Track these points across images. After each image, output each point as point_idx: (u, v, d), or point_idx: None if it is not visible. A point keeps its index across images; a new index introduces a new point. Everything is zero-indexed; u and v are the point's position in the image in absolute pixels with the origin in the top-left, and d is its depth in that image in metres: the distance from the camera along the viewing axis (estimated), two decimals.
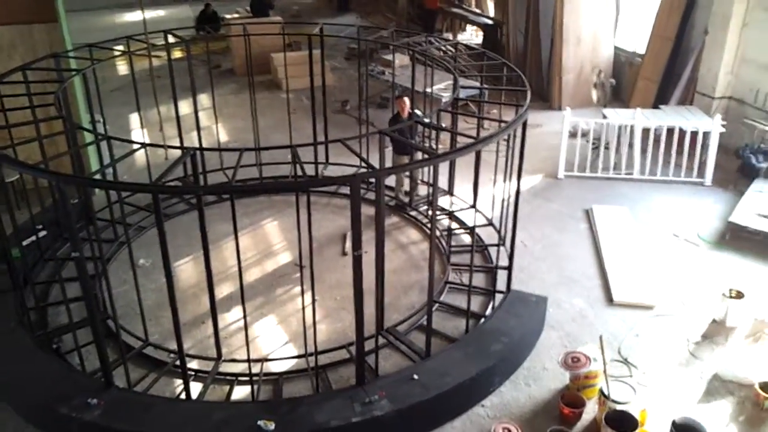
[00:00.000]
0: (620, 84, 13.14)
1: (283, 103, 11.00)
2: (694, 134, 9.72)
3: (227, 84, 14.96)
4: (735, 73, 10.58)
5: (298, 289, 7.05)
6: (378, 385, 5.64)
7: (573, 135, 10.37)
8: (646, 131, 9.98)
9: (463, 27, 19.39)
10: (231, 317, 6.91)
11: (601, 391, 5.53)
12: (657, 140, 9.93)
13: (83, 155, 8.38)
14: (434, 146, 9.07)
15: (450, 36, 18.62)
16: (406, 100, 8.60)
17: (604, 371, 5.61)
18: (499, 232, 7.67)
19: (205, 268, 5.46)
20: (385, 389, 5.53)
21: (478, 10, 18.74)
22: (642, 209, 9.12)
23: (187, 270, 7.82)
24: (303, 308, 6.04)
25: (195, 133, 9.67)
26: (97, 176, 5.92)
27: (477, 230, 7.97)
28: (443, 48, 11.51)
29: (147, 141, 9.07)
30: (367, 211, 6.82)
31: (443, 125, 8.53)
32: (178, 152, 6.06)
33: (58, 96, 6.92)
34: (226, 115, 12.44)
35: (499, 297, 6.95)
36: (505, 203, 7.04)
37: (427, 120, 8.27)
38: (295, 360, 6.33)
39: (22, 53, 8.80)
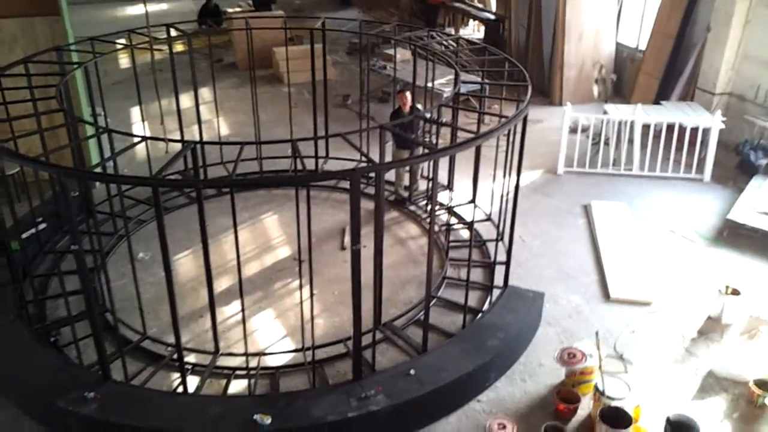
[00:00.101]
0: (621, 80, 13.13)
1: (284, 97, 11.01)
2: (694, 130, 9.72)
3: (229, 78, 14.96)
4: (736, 69, 10.58)
5: (296, 283, 7.11)
6: (375, 379, 5.66)
7: (573, 131, 10.38)
8: (646, 127, 9.98)
9: (465, 22, 19.35)
10: (229, 311, 6.94)
11: (597, 387, 5.55)
12: (657, 136, 9.93)
13: (84, 148, 8.40)
14: (434, 141, 9.08)
15: (452, 31, 18.60)
16: (408, 94, 8.60)
17: (600, 367, 5.64)
18: (497, 227, 7.69)
19: (204, 262, 5.49)
20: (382, 384, 5.56)
21: (480, 5, 18.70)
22: (641, 205, 9.14)
23: (186, 264, 7.85)
24: (301, 302, 6.07)
25: (196, 127, 9.69)
26: (98, 169, 5.95)
27: (476, 225, 8.01)
28: (445, 43, 11.50)
29: (148, 134, 9.10)
30: (367, 205, 6.84)
31: (444, 120, 8.54)
32: (179, 146, 6.07)
33: (60, 89, 6.94)
34: (227, 109, 12.45)
35: (496, 292, 6.98)
36: (504, 199, 7.06)
37: (428, 115, 8.28)
38: (293, 354, 6.36)
39: (24, 46, 8.81)
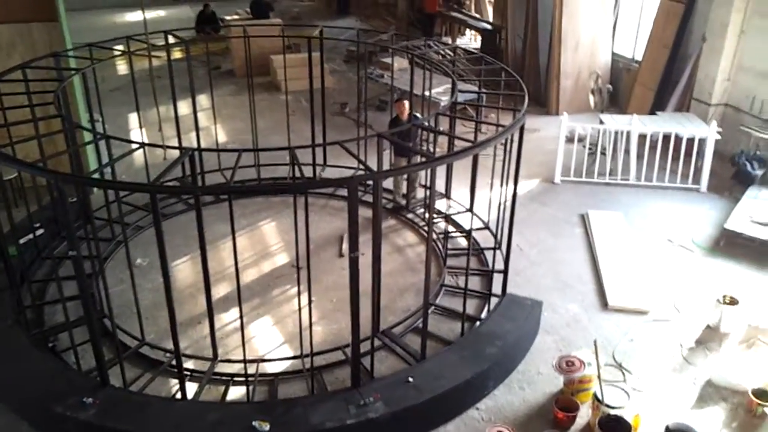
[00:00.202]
0: (617, 90, 13.20)
1: (282, 104, 11.04)
2: (690, 141, 9.77)
3: (226, 85, 14.99)
4: (732, 80, 10.65)
5: (294, 290, 7.11)
6: (373, 387, 5.65)
7: (570, 140, 10.42)
8: (642, 137, 10.03)
9: (462, 31, 19.44)
10: (227, 318, 6.93)
11: (595, 396, 5.55)
12: (653, 146, 9.98)
13: (82, 154, 8.39)
14: (432, 149, 9.10)
15: (449, 40, 18.67)
16: (406, 103, 8.63)
17: (598, 376, 5.64)
18: (495, 235, 7.71)
19: (202, 269, 5.48)
20: (380, 391, 5.55)
21: (477, 15, 18.80)
22: (637, 215, 9.17)
23: (185, 270, 7.84)
24: (299, 309, 6.07)
25: (194, 134, 9.70)
26: (96, 175, 5.94)
27: (473, 234, 8.02)
28: (442, 52, 11.54)
29: (146, 141, 9.09)
30: (365, 213, 6.84)
31: (441, 129, 8.56)
32: (177, 152, 6.07)
33: (58, 95, 6.93)
34: (225, 116, 12.47)
35: (494, 300, 6.98)
36: (502, 207, 7.08)
37: (425, 123, 8.30)
38: (291, 361, 6.34)
39: (22, 52, 8.81)
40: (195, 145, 9.52)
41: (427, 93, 9.33)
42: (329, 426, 5.21)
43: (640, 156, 10.04)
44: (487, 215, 8.11)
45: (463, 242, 8.34)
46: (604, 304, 7.25)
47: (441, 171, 8.40)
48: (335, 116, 12.66)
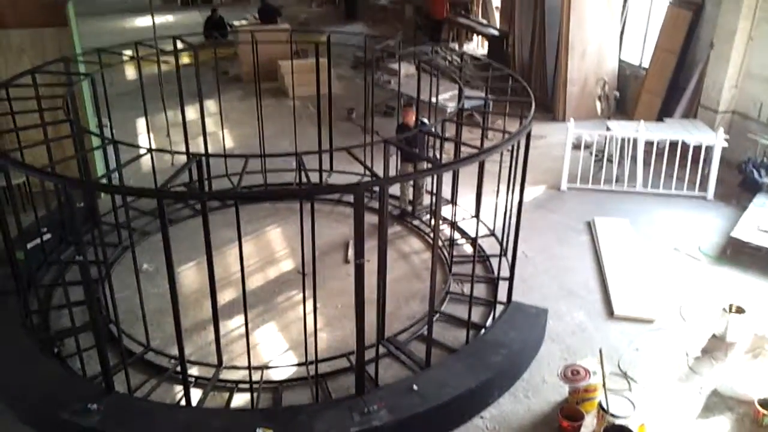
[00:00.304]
0: (624, 97, 13.17)
1: (289, 110, 11.04)
2: (697, 148, 9.74)
3: (234, 90, 15.01)
4: (739, 87, 10.61)
5: (299, 296, 7.08)
6: (377, 395, 5.66)
7: (576, 147, 10.40)
8: (649, 144, 10.00)
9: (469, 37, 19.42)
10: (232, 324, 6.94)
11: (600, 405, 5.54)
12: (660, 153, 9.95)
13: (90, 159, 8.42)
14: (438, 156, 9.10)
15: (456, 46, 18.66)
16: (413, 109, 8.65)
17: (604, 385, 5.62)
18: (501, 242, 7.70)
19: (208, 275, 5.50)
20: (385, 399, 5.55)
21: (484, 21, 18.79)
22: (644, 222, 9.14)
23: (190, 275, 7.86)
24: (304, 316, 6.07)
25: (201, 139, 9.73)
26: (103, 180, 5.98)
27: (479, 241, 8.00)
28: (449, 58, 11.56)
29: (153, 146, 9.12)
30: (371, 219, 6.85)
31: (447, 135, 8.56)
32: (184, 157, 6.10)
33: (66, 100, 6.97)
34: (232, 122, 12.49)
35: (499, 308, 6.97)
36: (508, 214, 7.07)
37: (432, 129, 8.31)
38: (296, 368, 6.36)
39: (32, 56, 8.85)
40: (202, 150, 9.54)
41: (433, 99, 9.34)
42: None
43: (646, 163, 10.01)
44: (493, 222, 8.09)
45: (468, 249, 8.34)
46: (609, 312, 7.23)
47: (447, 177, 8.40)
48: (342, 122, 12.67)
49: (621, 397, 5.65)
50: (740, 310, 6.76)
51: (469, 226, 8.65)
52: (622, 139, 10.14)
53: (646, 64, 12.68)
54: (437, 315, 6.92)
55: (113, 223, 8.20)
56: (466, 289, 7.17)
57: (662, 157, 9.87)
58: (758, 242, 8.09)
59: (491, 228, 8.32)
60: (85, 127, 8.48)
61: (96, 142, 8.19)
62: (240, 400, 5.97)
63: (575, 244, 8.64)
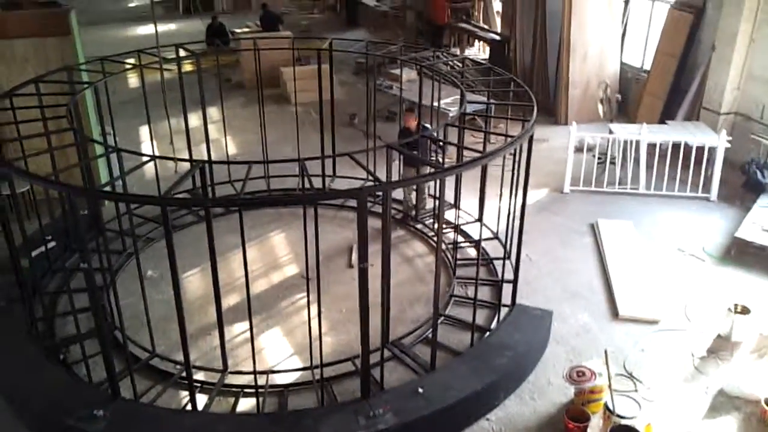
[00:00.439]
0: (626, 99, 13.18)
1: (291, 116, 11.07)
2: (700, 150, 9.74)
3: (237, 97, 15.07)
4: (741, 88, 10.62)
5: (304, 301, 7.12)
6: (383, 398, 5.66)
7: (579, 150, 10.41)
8: (652, 146, 10.00)
9: (471, 42, 19.47)
10: (237, 329, 6.95)
11: (606, 406, 5.54)
12: (663, 155, 9.95)
13: (93, 167, 8.45)
14: (441, 160, 9.12)
15: (457, 51, 18.70)
16: (415, 114, 8.67)
17: (609, 386, 5.62)
18: (504, 245, 7.70)
19: (213, 280, 5.51)
20: (390, 402, 5.55)
21: (485, 26, 18.83)
22: (647, 224, 9.13)
23: (195, 281, 7.87)
24: (309, 320, 6.07)
25: (204, 146, 9.76)
26: (107, 188, 6.00)
27: (482, 244, 8.01)
28: (450, 63, 11.58)
29: (157, 153, 9.15)
30: (374, 223, 6.86)
31: (450, 139, 8.58)
32: (188, 164, 6.12)
33: (70, 108, 7.00)
34: (235, 128, 12.53)
35: (504, 311, 6.97)
36: (511, 217, 7.08)
37: (434, 134, 8.33)
38: (301, 372, 6.36)
39: (35, 66, 8.89)
40: (205, 157, 9.57)
41: (435, 104, 9.36)
42: None
43: (649, 165, 10.01)
44: (497, 225, 8.10)
45: (472, 252, 8.34)
46: (614, 313, 7.22)
47: (450, 181, 8.42)
48: (344, 127, 12.70)
49: (627, 398, 5.64)
50: (745, 310, 6.76)
51: (472, 230, 8.66)
52: (625, 142, 10.15)
53: (647, 67, 12.69)
54: (441, 318, 6.92)
55: (117, 230, 8.24)
56: (470, 292, 7.17)
57: (665, 159, 9.88)
58: (762, 242, 8.08)
59: (495, 231, 8.32)
60: (88, 135, 8.51)
61: (99, 150, 8.21)
62: (246, 404, 5.97)
63: (579, 247, 8.64)
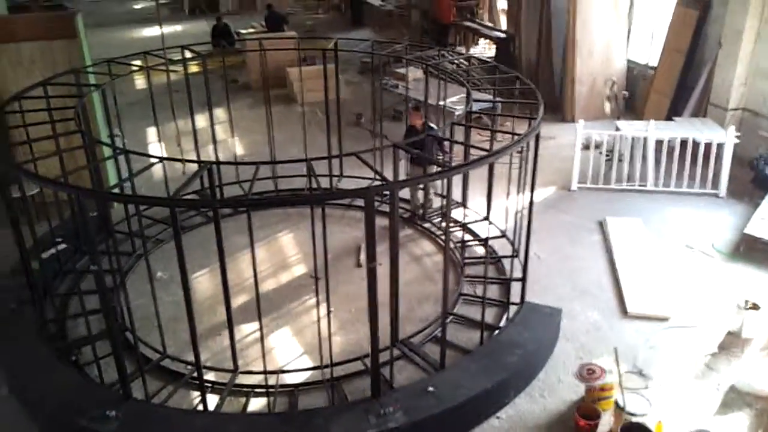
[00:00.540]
0: (633, 96, 13.15)
1: (298, 116, 11.11)
2: (708, 146, 9.70)
3: (243, 98, 15.09)
4: (748, 84, 10.58)
5: (313, 300, 7.14)
6: (393, 397, 5.66)
7: (586, 147, 10.39)
8: (659, 143, 9.98)
9: (476, 41, 19.46)
10: (247, 329, 6.97)
11: (617, 403, 5.53)
12: (670, 152, 9.93)
13: (102, 169, 8.48)
14: (448, 159, 9.12)
15: (463, 50, 18.70)
16: (421, 113, 8.67)
17: (620, 383, 5.61)
18: (512, 243, 7.70)
19: (222, 281, 5.53)
20: (400, 401, 5.55)
21: (490, 24, 18.82)
22: (656, 221, 9.11)
23: (204, 282, 7.90)
24: (318, 320, 6.09)
25: (212, 147, 9.78)
26: (116, 190, 6.02)
27: (490, 242, 8.01)
28: (456, 61, 11.60)
29: (164, 155, 9.18)
30: (382, 223, 6.86)
31: (456, 138, 8.58)
32: (196, 166, 6.14)
33: (77, 111, 7.03)
34: (242, 129, 12.55)
35: (513, 309, 6.97)
36: (519, 215, 7.07)
37: (440, 133, 8.34)
38: (311, 372, 6.37)
39: (42, 68, 8.92)
40: (213, 158, 9.60)
41: (441, 103, 9.36)
42: None
43: (657, 162, 9.98)
44: (504, 223, 8.10)
45: (480, 251, 8.34)
46: (623, 311, 7.21)
47: (457, 180, 8.42)
48: (351, 127, 12.71)
49: (637, 395, 5.64)
50: (755, 307, 6.72)
51: (480, 228, 8.65)
52: (632, 139, 10.13)
53: (654, 64, 12.66)
54: (450, 317, 6.93)
55: (127, 232, 8.27)
56: (479, 290, 7.17)
57: (673, 156, 9.85)
58: None
59: (502, 229, 8.32)
60: (96, 137, 8.55)
61: (108, 152, 8.25)
62: (256, 404, 5.99)
63: (587, 244, 8.63)
